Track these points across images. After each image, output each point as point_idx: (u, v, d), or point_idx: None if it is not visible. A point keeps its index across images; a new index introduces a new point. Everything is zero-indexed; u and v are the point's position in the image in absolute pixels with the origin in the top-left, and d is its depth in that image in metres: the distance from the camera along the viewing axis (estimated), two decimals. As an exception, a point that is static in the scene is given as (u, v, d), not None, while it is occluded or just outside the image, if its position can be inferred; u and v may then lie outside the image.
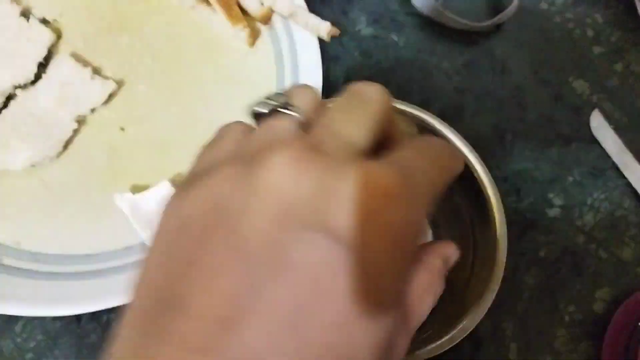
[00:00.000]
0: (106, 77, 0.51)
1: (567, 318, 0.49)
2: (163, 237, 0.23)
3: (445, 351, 0.45)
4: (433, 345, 0.35)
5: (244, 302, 0.19)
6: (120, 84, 0.52)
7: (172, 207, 0.23)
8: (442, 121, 0.43)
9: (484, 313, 0.36)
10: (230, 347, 0.18)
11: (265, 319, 0.19)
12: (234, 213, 0.20)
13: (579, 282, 0.50)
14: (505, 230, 0.39)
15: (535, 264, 0.50)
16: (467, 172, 0.41)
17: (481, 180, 0.40)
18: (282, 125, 0.24)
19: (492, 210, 0.40)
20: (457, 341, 0.35)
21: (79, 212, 0.46)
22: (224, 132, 0.27)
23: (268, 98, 0.26)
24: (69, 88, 0.49)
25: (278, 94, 0.26)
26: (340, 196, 0.20)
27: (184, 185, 0.23)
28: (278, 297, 0.19)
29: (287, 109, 0.25)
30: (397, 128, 0.28)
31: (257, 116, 0.26)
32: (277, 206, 0.20)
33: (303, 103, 0.25)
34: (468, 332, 0.36)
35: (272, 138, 0.23)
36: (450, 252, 0.27)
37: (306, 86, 0.27)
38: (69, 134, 0.49)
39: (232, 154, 0.24)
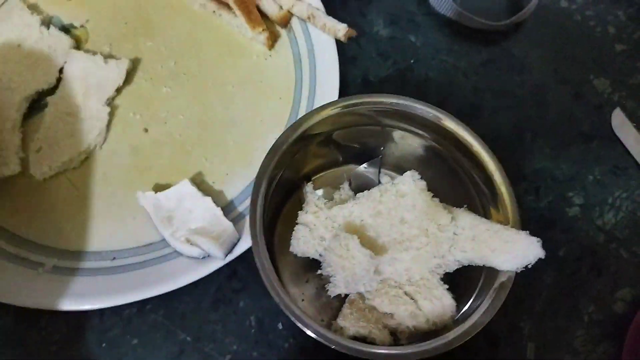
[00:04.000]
0: (118, 58, 0.53)
1: (586, 318, 0.48)
2: None
3: (461, 349, 0.45)
4: (446, 340, 0.35)
5: None
6: (135, 67, 0.54)
7: None
8: (458, 120, 0.43)
9: (497, 309, 0.36)
10: None
11: None
12: None
13: (599, 282, 0.50)
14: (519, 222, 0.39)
15: (554, 263, 0.50)
16: (482, 169, 0.41)
17: (494, 175, 0.40)
18: None
19: (505, 201, 0.40)
20: (471, 335, 0.35)
21: (103, 211, 0.48)
22: None
23: None
24: (89, 79, 0.52)
25: None
26: None
27: None
28: None
29: None
30: None
31: None
32: None
33: None
34: (481, 327, 0.36)
35: None
36: None
37: None
38: (106, 118, 0.51)
39: None
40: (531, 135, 0.55)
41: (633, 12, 0.62)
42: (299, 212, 0.41)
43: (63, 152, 0.49)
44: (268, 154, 0.40)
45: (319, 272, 0.37)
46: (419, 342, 0.35)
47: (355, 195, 0.42)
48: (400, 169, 0.48)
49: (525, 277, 0.49)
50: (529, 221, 0.52)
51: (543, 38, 0.60)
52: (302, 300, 0.43)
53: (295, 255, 0.41)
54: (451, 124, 0.42)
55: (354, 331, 0.37)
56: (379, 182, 0.48)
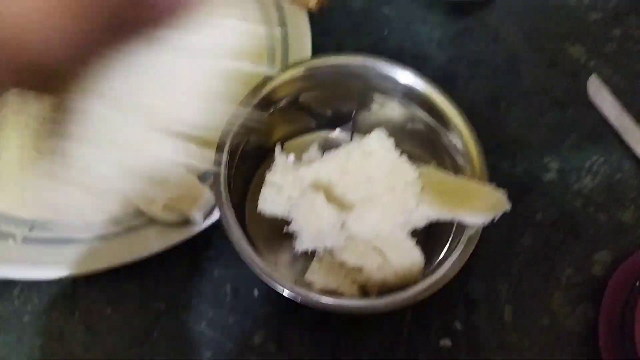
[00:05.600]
0: None
1: (564, 280, 0.48)
2: None
3: (439, 311, 0.45)
4: (414, 291, 0.35)
5: None
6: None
7: None
8: (433, 84, 0.42)
9: (464, 261, 0.36)
10: None
11: None
12: None
13: (577, 245, 0.50)
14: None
15: (531, 227, 0.50)
16: (452, 126, 0.41)
17: (462, 133, 0.41)
18: None
19: (472, 155, 0.40)
20: (439, 287, 0.35)
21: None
22: None
23: None
24: None
25: None
26: None
27: None
28: None
29: None
30: None
31: None
32: None
33: None
34: (449, 279, 0.35)
35: None
36: None
37: None
38: None
39: None
40: (506, 104, 0.55)
41: (607, -19, 0.62)
42: (267, 171, 0.40)
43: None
44: (227, 121, 0.39)
45: (286, 229, 0.37)
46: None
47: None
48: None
49: (502, 240, 0.49)
50: (505, 187, 0.52)
51: (517, 7, 0.60)
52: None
53: (267, 225, 0.41)
54: (420, 82, 0.42)
55: (322, 284, 0.37)
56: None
